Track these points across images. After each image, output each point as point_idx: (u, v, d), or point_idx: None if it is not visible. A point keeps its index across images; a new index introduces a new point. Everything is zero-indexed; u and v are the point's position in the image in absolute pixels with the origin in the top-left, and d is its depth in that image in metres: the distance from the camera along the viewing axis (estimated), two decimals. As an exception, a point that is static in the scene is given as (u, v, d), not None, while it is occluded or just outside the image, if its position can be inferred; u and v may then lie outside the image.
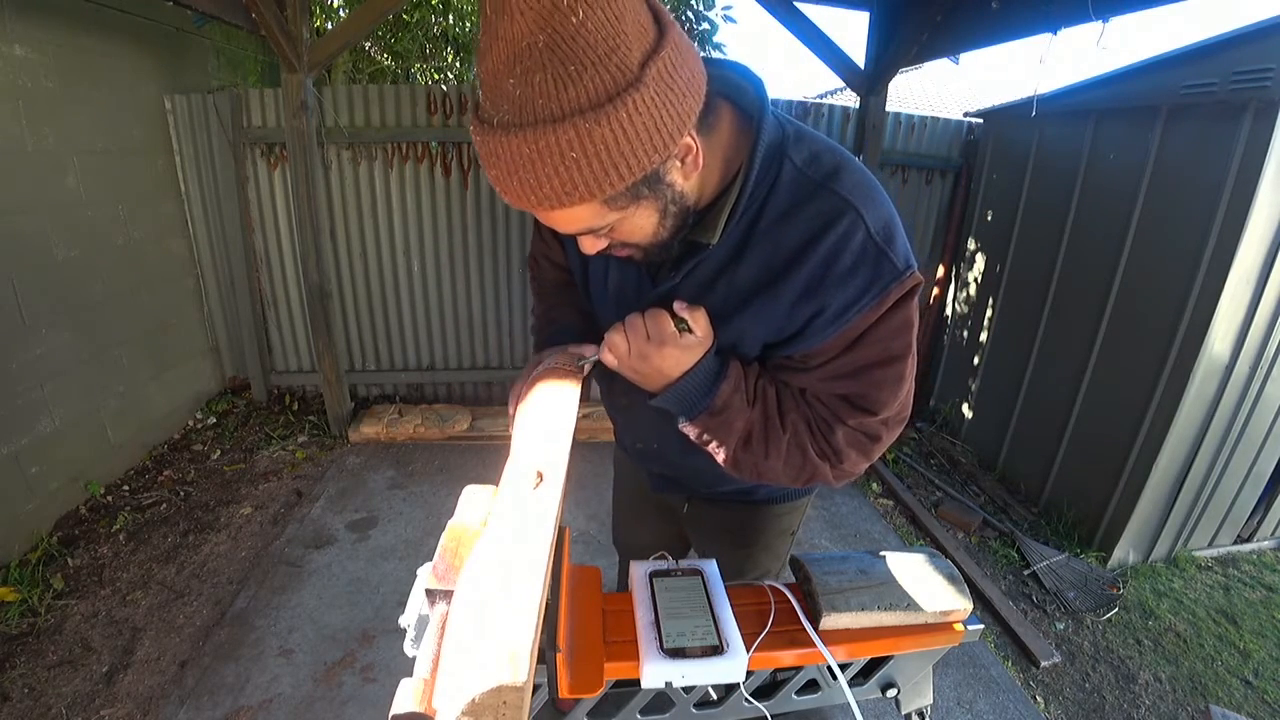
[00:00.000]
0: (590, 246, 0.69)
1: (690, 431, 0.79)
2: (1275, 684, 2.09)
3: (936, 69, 12.79)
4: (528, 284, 3.50)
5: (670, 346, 0.72)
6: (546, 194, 0.55)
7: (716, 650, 0.68)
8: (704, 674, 0.67)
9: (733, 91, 0.71)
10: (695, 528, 1.17)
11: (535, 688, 0.63)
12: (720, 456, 0.79)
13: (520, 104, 0.52)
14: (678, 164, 0.61)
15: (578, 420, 0.71)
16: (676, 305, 0.73)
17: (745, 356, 0.77)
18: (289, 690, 1.79)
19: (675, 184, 0.63)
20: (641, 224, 0.65)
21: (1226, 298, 2.16)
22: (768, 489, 1.05)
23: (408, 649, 0.52)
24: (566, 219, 0.61)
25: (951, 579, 0.80)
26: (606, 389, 0.98)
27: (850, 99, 3.46)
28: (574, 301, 0.98)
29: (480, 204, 3.33)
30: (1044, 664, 2.08)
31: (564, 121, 0.51)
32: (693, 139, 0.60)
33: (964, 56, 11.72)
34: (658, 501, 1.19)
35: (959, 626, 0.77)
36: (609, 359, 0.76)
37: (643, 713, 0.75)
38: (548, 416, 0.70)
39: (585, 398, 0.78)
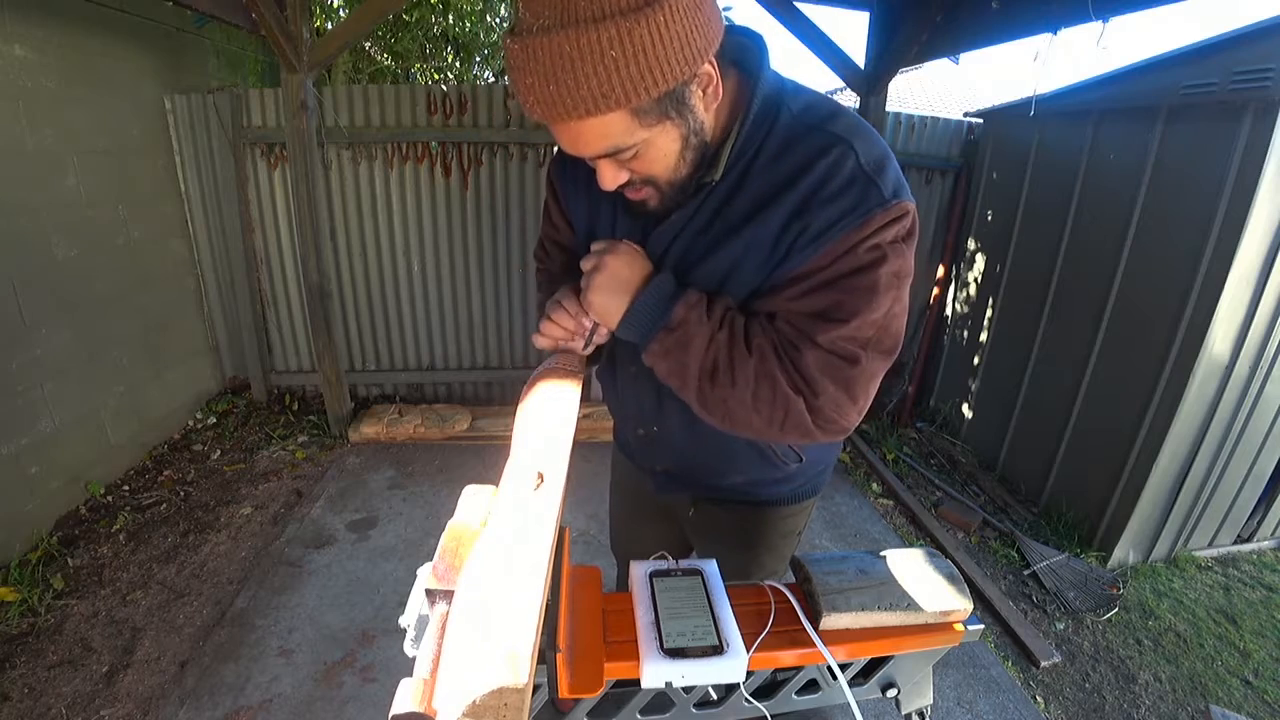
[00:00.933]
0: (610, 179, 0.70)
1: (656, 363, 0.78)
2: (1275, 684, 2.09)
3: (936, 69, 12.78)
4: (531, 281, 3.51)
5: (622, 245, 0.79)
6: (583, 95, 0.57)
7: (716, 650, 0.67)
8: (704, 674, 0.67)
9: (737, 53, 0.75)
10: (699, 532, 1.15)
11: (535, 688, 0.63)
12: (688, 389, 0.77)
13: (563, 8, 0.55)
14: (700, 92, 0.65)
15: (578, 420, 0.71)
16: None
17: (738, 292, 0.78)
18: (289, 690, 1.80)
19: (698, 111, 0.66)
20: (665, 149, 0.67)
21: (1226, 298, 2.16)
22: (774, 488, 1.04)
23: (408, 649, 0.52)
24: (597, 133, 0.62)
25: (951, 579, 0.80)
26: (610, 375, 0.98)
27: (850, 99, 3.46)
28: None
29: (480, 204, 3.33)
30: (1044, 664, 2.08)
31: (606, 21, 0.54)
32: (713, 68, 0.64)
33: (964, 56, 11.72)
34: (660, 506, 1.19)
35: (959, 626, 0.77)
36: (587, 267, 0.79)
37: (643, 713, 0.75)
38: (548, 417, 0.70)
39: (585, 398, 0.78)
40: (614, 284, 0.77)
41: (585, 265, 0.79)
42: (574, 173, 0.86)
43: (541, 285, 1.06)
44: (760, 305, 0.77)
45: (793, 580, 0.84)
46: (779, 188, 0.71)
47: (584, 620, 0.72)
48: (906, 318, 0.76)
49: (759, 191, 0.73)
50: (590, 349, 0.86)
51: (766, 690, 0.80)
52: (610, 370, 0.97)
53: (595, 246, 0.80)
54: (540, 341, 0.86)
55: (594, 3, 0.54)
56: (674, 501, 1.14)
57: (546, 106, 0.59)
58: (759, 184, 0.73)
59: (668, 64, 0.57)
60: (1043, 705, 1.95)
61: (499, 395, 3.77)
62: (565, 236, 0.99)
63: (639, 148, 0.65)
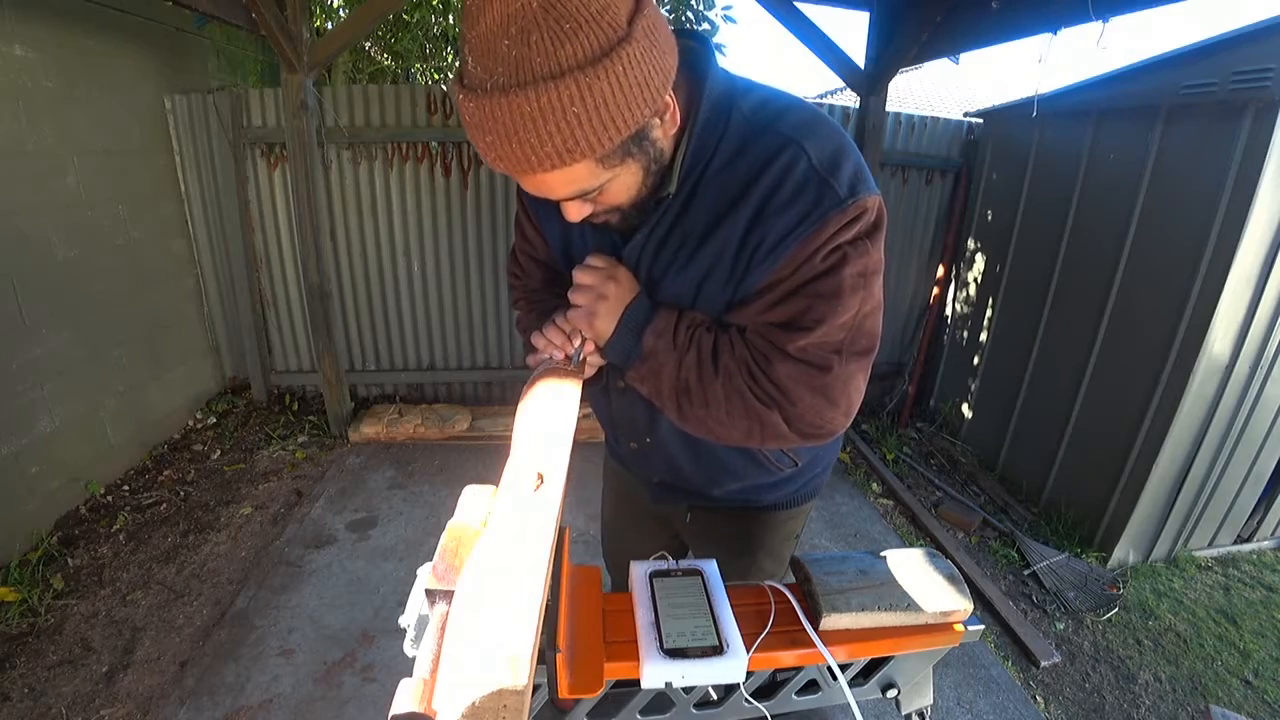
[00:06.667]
0: (575, 213, 0.70)
1: (636, 385, 0.81)
2: (1275, 684, 2.09)
3: (936, 69, 12.78)
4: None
5: (621, 270, 0.78)
6: (548, 152, 0.56)
7: (716, 650, 0.67)
8: (704, 674, 0.67)
9: (682, 57, 0.73)
10: (696, 539, 1.14)
11: (535, 688, 0.63)
12: (667, 409, 0.80)
13: (516, 64, 0.52)
14: (658, 121, 0.63)
15: (578, 420, 0.71)
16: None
17: (710, 308, 0.78)
18: (289, 690, 1.80)
19: (657, 141, 0.65)
20: (628, 183, 0.67)
21: (1226, 298, 2.16)
22: (771, 493, 1.03)
23: (408, 649, 0.52)
24: (562, 181, 0.61)
25: (951, 579, 0.80)
26: (601, 390, 0.97)
27: (850, 99, 3.46)
28: (561, 297, 0.98)
29: (480, 204, 3.33)
30: (1044, 664, 2.08)
31: (564, 77, 0.52)
32: (671, 96, 0.62)
33: (964, 56, 11.72)
34: (655, 513, 1.17)
35: (959, 627, 0.77)
36: (581, 285, 0.79)
37: (643, 713, 0.75)
38: (548, 417, 0.70)
39: (585, 398, 0.78)
40: (617, 309, 0.77)
41: (586, 281, 0.78)
42: None
43: (518, 301, 1.04)
44: (732, 318, 0.77)
45: (793, 580, 0.84)
46: (734, 198, 0.70)
47: (584, 620, 0.72)
48: (882, 313, 0.75)
49: (715, 201, 0.72)
50: (584, 369, 0.85)
51: (766, 690, 0.80)
52: (601, 385, 0.96)
53: (597, 262, 0.79)
54: (532, 360, 0.86)
55: (550, 58, 0.51)
56: (671, 510, 1.13)
57: (509, 162, 0.58)
58: (714, 191, 0.71)
59: (629, 110, 0.56)
60: (1043, 705, 1.95)
61: (499, 395, 3.77)
62: (541, 251, 0.97)
63: (604, 186, 0.65)
